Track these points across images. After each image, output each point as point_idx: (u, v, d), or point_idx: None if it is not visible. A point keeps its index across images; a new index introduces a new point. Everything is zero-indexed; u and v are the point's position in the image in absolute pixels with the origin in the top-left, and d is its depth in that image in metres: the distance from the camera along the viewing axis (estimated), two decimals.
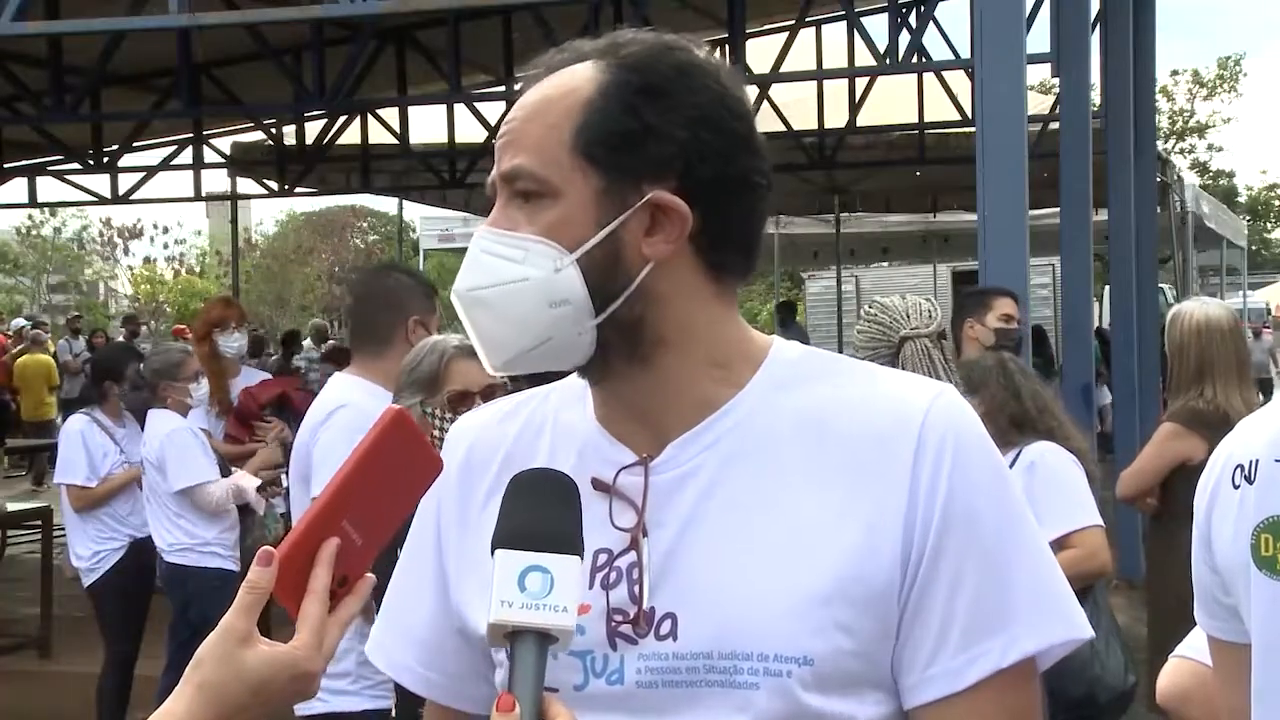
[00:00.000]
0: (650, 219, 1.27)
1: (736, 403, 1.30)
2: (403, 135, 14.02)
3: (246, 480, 5.90)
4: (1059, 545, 3.79)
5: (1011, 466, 3.81)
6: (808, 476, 1.26)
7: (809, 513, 1.24)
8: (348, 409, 3.47)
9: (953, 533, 1.23)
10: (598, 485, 1.29)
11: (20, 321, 22.57)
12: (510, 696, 1.10)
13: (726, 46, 10.37)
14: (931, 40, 10.80)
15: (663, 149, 1.26)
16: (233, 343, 6.57)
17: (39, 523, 8.32)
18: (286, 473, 5.59)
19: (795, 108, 13.29)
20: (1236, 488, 1.66)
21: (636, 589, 1.25)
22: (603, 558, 1.27)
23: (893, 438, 1.25)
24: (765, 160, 1.31)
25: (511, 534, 1.16)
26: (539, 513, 1.17)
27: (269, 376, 7.42)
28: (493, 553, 1.15)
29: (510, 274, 1.26)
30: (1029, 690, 1.27)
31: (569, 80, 1.29)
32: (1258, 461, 1.64)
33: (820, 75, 12.71)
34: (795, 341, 1.38)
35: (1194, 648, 2.03)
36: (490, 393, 2.92)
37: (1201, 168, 42.84)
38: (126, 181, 15.53)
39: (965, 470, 1.25)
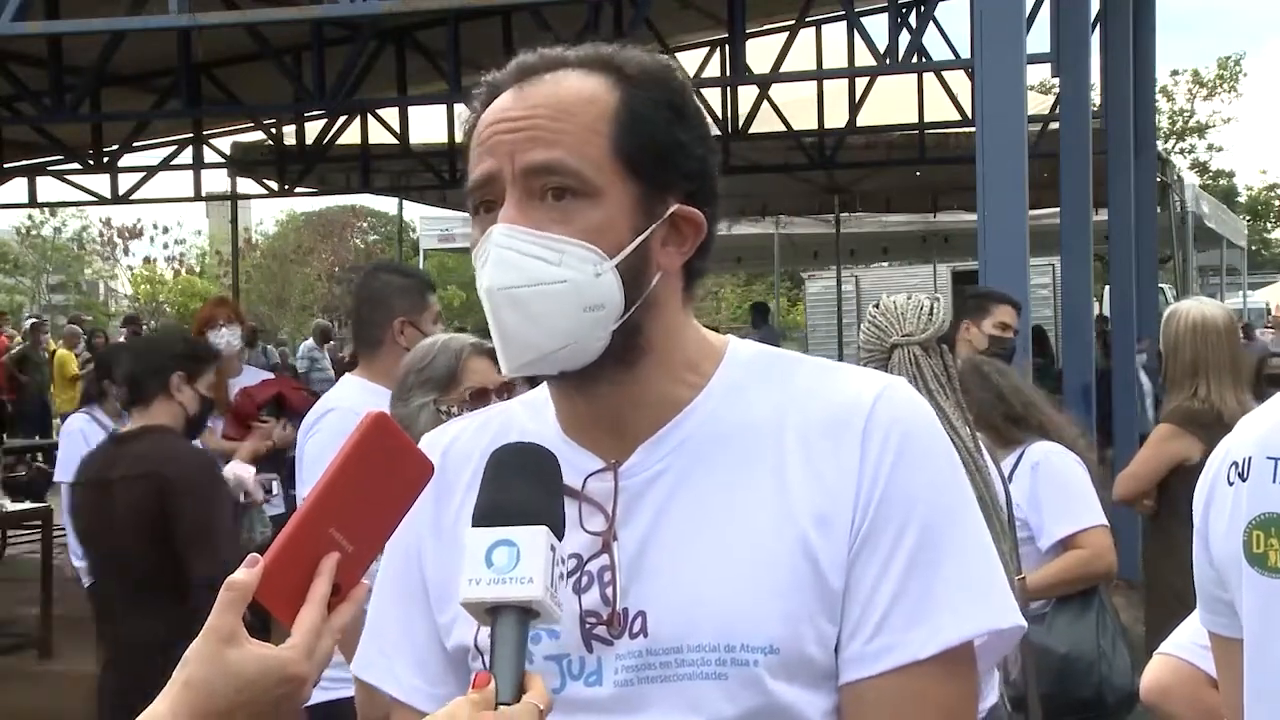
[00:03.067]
0: (667, 230, 1.29)
1: (699, 403, 1.32)
2: (403, 135, 14.04)
3: (243, 469, 5.86)
4: (1065, 546, 3.78)
5: (1015, 467, 3.79)
6: (766, 471, 1.28)
7: (769, 506, 1.26)
8: (336, 413, 3.44)
9: (886, 519, 1.25)
10: (566, 492, 1.28)
11: (29, 321, 22.56)
12: (487, 674, 1.11)
13: (726, 46, 10.37)
14: (931, 40, 10.83)
15: (689, 164, 1.30)
16: (221, 339, 6.56)
17: (39, 523, 8.31)
18: (279, 476, 5.62)
19: (795, 108, 13.31)
20: (1231, 485, 1.67)
21: (609, 591, 1.27)
22: (573, 562, 1.27)
23: (841, 431, 1.27)
24: None
25: (482, 512, 1.17)
26: (509, 487, 1.18)
27: (270, 376, 7.41)
28: None
29: (547, 275, 1.24)
30: (958, 681, 1.26)
31: (583, 86, 1.29)
32: (1250, 459, 1.65)
33: (820, 75, 12.71)
34: (751, 341, 1.42)
35: (1178, 645, 2.06)
36: (507, 390, 2.89)
37: (1201, 168, 42.81)
38: (126, 181, 15.55)
39: (907, 460, 1.26)
